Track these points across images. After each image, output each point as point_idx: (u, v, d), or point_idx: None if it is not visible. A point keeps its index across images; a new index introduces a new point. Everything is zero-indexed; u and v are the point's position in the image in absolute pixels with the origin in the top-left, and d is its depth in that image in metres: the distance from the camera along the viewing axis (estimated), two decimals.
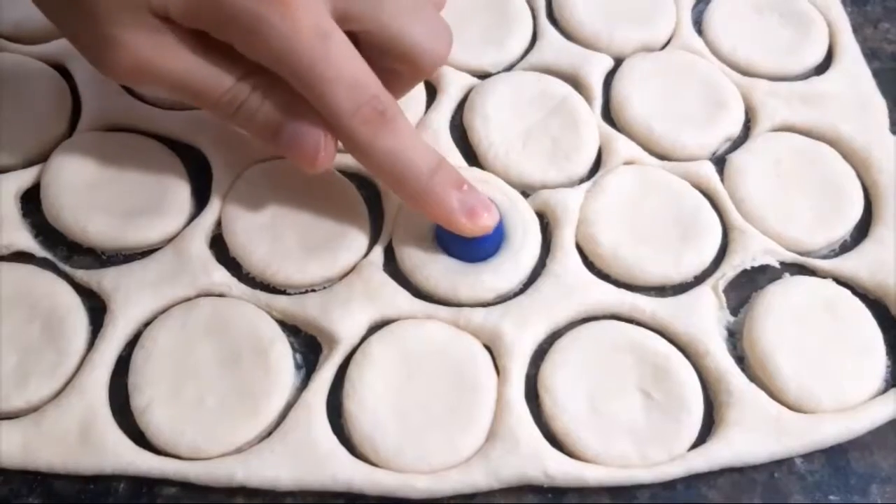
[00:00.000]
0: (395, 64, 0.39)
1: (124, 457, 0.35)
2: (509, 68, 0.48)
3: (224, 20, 0.34)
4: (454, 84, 0.46)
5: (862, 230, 0.44)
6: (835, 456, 0.38)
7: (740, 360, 0.39)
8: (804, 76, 0.49)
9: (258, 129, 0.37)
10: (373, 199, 0.43)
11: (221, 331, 0.38)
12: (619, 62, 0.49)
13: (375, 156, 0.37)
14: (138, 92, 0.45)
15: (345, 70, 0.35)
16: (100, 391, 0.36)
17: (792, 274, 0.42)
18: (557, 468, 0.35)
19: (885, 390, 0.39)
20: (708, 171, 0.45)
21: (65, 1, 0.35)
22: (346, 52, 0.35)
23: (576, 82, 0.47)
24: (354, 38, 0.36)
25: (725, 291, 0.41)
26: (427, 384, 0.37)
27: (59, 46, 0.46)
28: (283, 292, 0.40)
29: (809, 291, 0.41)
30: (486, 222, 0.38)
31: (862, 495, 0.37)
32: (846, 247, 0.44)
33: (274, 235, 0.41)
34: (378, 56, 0.37)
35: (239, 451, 0.36)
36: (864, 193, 0.45)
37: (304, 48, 0.34)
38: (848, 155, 0.46)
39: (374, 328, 0.39)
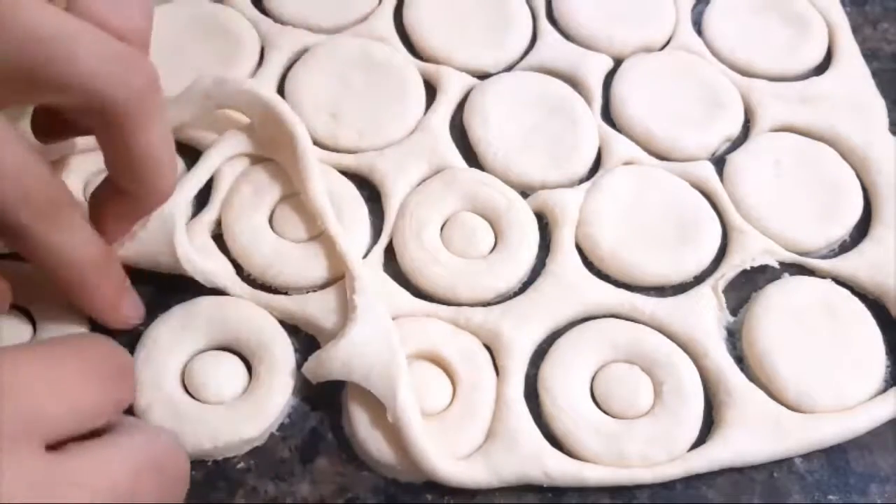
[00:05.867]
0: (80, 117, 0.31)
1: None
2: (509, 68, 0.48)
3: None
4: (454, 84, 0.46)
5: (861, 230, 0.44)
6: (834, 456, 0.38)
7: (740, 360, 0.39)
8: (803, 76, 0.50)
9: None
10: (373, 199, 0.43)
11: (222, 330, 0.38)
12: (618, 62, 0.49)
13: (47, 254, 0.32)
14: None
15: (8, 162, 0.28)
16: None
17: (791, 274, 0.42)
18: (557, 468, 0.35)
19: (884, 390, 0.39)
20: (707, 171, 0.45)
21: None
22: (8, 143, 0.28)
23: (575, 82, 0.47)
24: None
25: (725, 291, 0.41)
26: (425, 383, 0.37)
27: None
28: (284, 293, 0.40)
29: (809, 291, 0.41)
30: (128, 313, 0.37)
31: (861, 495, 0.37)
32: (845, 247, 0.44)
33: (275, 236, 0.41)
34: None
35: (240, 450, 0.36)
36: (864, 193, 0.45)
37: None
38: (847, 155, 0.46)
39: None
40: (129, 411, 0.36)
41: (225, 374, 0.37)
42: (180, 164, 0.43)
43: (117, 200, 0.34)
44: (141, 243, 0.38)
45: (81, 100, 0.29)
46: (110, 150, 0.31)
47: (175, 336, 0.37)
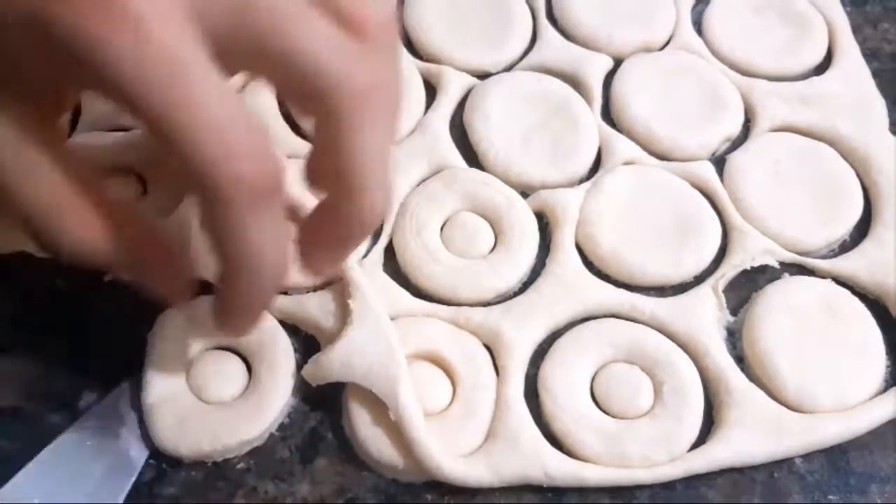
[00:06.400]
0: (300, 103, 0.30)
1: None
2: (509, 68, 0.48)
3: (45, 45, 0.25)
4: (454, 84, 0.46)
5: (861, 230, 0.44)
6: (834, 456, 0.38)
7: (740, 359, 0.39)
8: (804, 76, 0.49)
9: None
10: None
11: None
12: (618, 62, 0.49)
13: (237, 244, 0.28)
14: None
15: (215, 112, 0.25)
16: None
17: (791, 274, 0.42)
18: (557, 468, 0.35)
19: (884, 390, 0.39)
20: (707, 171, 0.45)
21: None
22: (215, 88, 0.26)
23: (575, 82, 0.47)
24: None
25: (725, 291, 0.41)
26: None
27: None
28: (284, 293, 0.40)
29: (809, 291, 0.41)
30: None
31: (861, 495, 0.37)
32: (846, 247, 0.44)
33: None
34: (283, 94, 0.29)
35: (240, 451, 0.36)
36: (864, 193, 0.45)
37: (152, 77, 0.25)
38: (847, 155, 0.46)
39: None
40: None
41: (225, 374, 0.37)
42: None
43: (323, 227, 0.31)
44: None
45: (303, 82, 0.27)
46: (320, 144, 0.29)
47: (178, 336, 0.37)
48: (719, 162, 0.45)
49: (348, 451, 0.37)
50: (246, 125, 0.26)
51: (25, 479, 0.33)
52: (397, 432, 0.35)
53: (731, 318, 0.41)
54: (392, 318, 0.38)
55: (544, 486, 0.36)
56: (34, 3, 0.25)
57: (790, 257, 0.42)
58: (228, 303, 0.31)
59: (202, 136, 0.25)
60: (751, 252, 0.42)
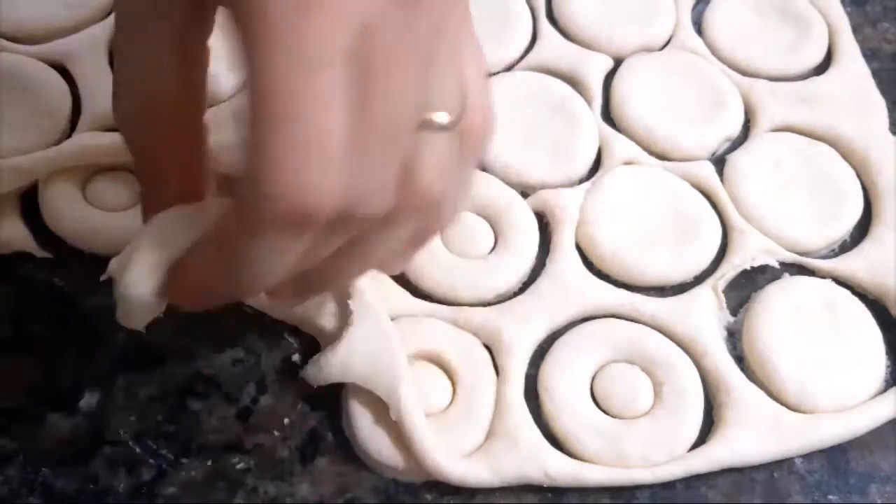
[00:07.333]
0: None
1: None
2: (509, 68, 0.48)
3: None
4: None
5: (861, 230, 0.44)
6: (834, 456, 0.38)
7: (740, 360, 0.39)
8: (804, 76, 0.49)
9: None
10: None
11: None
12: (618, 62, 0.49)
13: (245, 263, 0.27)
14: None
15: (304, 127, 0.23)
16: None
17: (791, 274, 0.42)
18: (557, 468, 0.35)
19: (884, 390, 0.39)
20: (707, 171, 0.45)
21: None
22: (325, 106, 0.23)
23: (575, 82, 0.47)
24: None
25: (725, 291, 0.41)
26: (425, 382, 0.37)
27: (59, 46, 0.45)
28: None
29: (809, 291, 0.41)
30: None
31: (861, 495, 0.37)
32: (846, 247, 0.44)
33: None
34: None
35: None
36: (864, 193, 0.45)
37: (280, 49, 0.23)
38: (847, 155, 0.46)
39: None
40: None
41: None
42: None
43: None
44: None
45: None
46: None
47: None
48: (719, 162, 0.46)
49: (348, 451, 0.37)
50: (324, 162, 0.24)
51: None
52: (397, 432, 0.35)
53: (731, 318, 0.41)
54: (392, 319, 0.38)
55: (544, 486, 0.36)
56: None
57: (790, 257, 0.42)
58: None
59: (276, 138, 0.23)
60: (751, 252, 0.42)
